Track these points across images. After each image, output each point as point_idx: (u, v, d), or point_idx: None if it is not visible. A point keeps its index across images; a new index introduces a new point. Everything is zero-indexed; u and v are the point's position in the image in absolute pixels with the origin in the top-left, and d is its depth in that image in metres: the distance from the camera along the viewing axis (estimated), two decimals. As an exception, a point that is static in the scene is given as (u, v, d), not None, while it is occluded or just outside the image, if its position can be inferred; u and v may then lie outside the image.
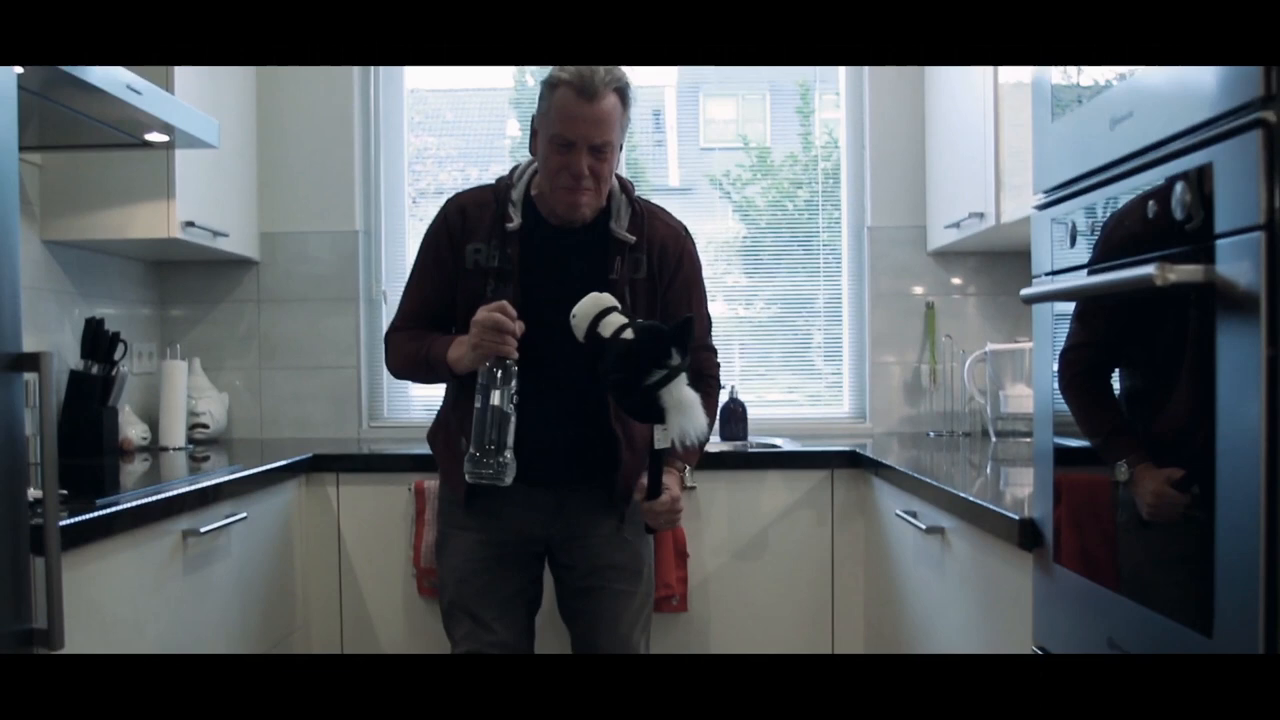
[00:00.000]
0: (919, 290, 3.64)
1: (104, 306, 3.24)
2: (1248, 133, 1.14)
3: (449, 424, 2.31)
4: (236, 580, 2.54)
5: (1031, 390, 2.50)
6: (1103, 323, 1.58)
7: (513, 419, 2.04)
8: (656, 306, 2.25)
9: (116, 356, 3.08)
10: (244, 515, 2.51)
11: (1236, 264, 1.16)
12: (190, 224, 3.01)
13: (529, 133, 2.24)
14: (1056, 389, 1.69)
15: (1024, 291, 1.70)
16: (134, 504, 2.04)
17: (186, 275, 3.65)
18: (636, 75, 3.70)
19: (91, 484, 2.47)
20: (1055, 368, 1.69)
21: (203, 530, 2.29)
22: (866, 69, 3.63)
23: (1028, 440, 3.13)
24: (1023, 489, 2.29)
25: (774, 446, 3.29)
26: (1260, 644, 1.14)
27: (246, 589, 2.60)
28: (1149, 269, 1.23)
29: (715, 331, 2.45)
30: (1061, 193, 1.65)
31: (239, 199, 3.45)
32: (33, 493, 1.69)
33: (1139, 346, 1.46)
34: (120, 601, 2.01)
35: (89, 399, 2.99)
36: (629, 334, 2.01)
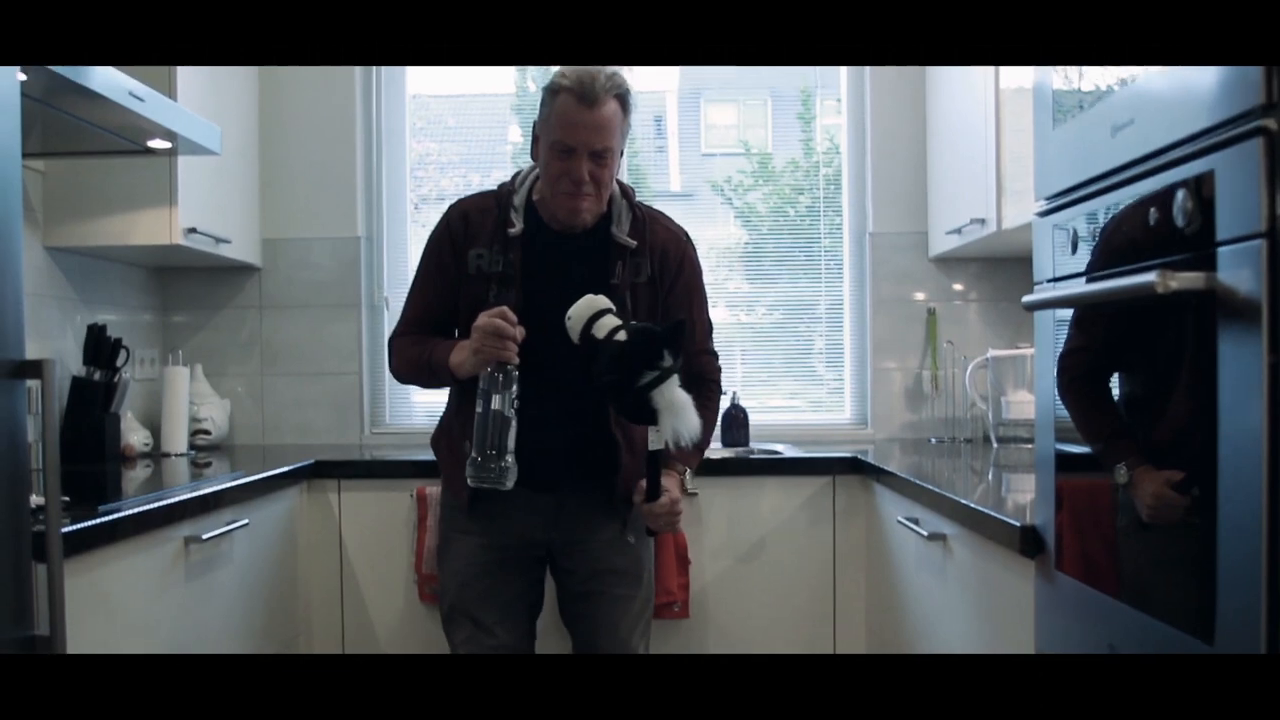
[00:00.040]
0: (920, 296, 3.64)
1: (106, 313, 3.24)
2: (1249, 140, 1.14)
3: (452, 429, 2.32)
4: (239, 586, 2.54)
5: (1033, 396, 2.50)
6: (1101, 327, 1.58)
7: (514, 423, 2.05)
8: (658, 311, 2.26)
9: (119, 363, 3.08)
10: (246, 522, 2.51)
11: (1238, 271, 1.16)
12: (192, 230, 3.02)
13: (530, 139, 2.26)
14: (1057, 394, 1.69)
15: (1026, 298, 1.70)
16: (136, 510, 2.04)
17: (188, 281, 3.65)
18: (638, 81, 3.74)
19: (94, 490, 2.47)
20: (1054, 372, 1.70)
21: (205, 537, 2.29)
22: (868, 75, 3.64)
23: (1029, 446, 3.13)
24: (1024, 495, 2.29)
25: (775, 453, 3.29)
26: (1262, 651, 1.14)
27: (249, 595, 2.60)
28: (1150, 276, 1.23)
29: (716, 337, 2.45)
30: (1063, 200, 1.65)
31: (241, 205, 3.46)
32: (35, 499, 1.70)
33: (1137, 350, 1.46)
34: (122, 608, 2.01)
35: (91, 405, 3.00)
36: (622, 336, 2.03)
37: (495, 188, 2.32)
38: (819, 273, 3.78)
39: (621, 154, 2.23)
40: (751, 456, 3.32)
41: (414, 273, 2.36)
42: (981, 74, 2.98)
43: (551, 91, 2.14)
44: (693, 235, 2.39)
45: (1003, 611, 1.95)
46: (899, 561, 2.66)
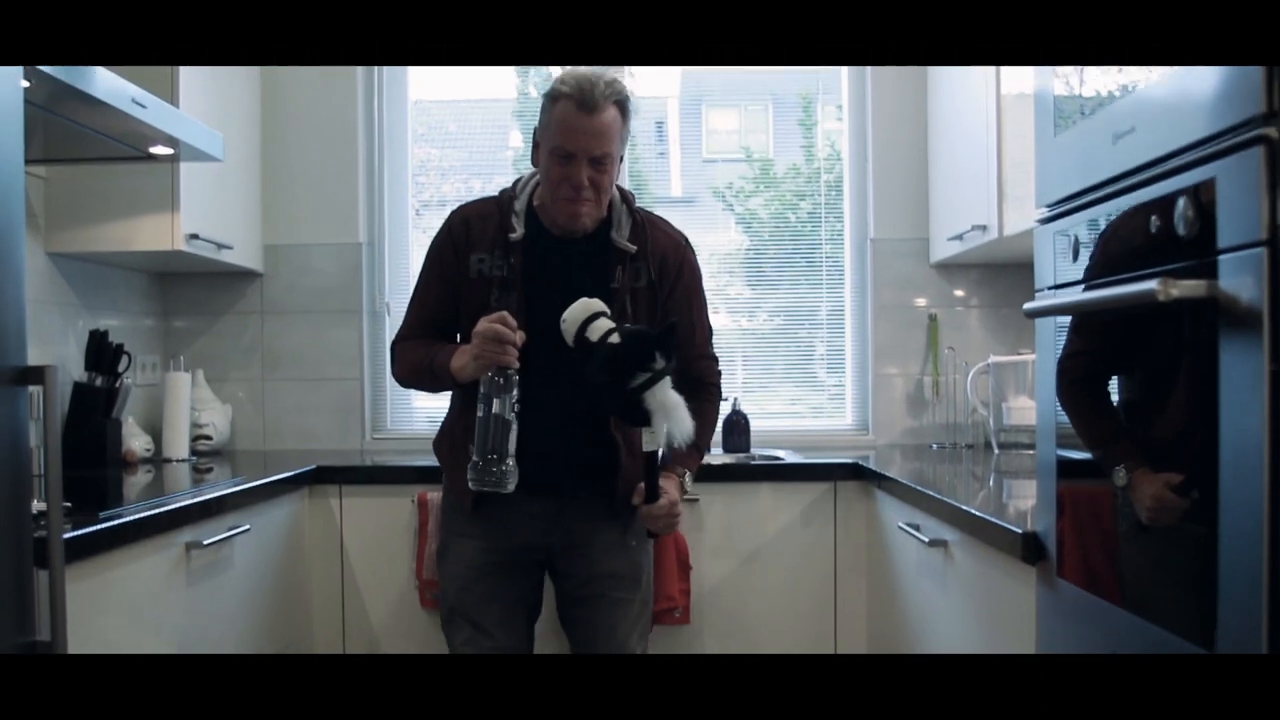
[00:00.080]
0: (922, 302, 3.64)
1: (108, 318, 3.25)
2: (1250, 149, 1.14)
3: (454, 432, 2.34)
4: (240, 592, 2.54)
5: (1034, 402, 2.50)
6: (1099, 331, 1.59)
7: (514, 427, 2.08)
8: (658, 315, 2.27)
9: (120, 368, 3.08)
10: (247, 527, 2.51)
11: (1239, 279, 1.16)
12: (194, 236, 3.02)
13: (531, 144, 2.27)
14: (1056, 398, 1.69)
15: (1027, 306, 1.70)
16: (138, 516, 2.05)
17: (190, 287, 3.66)
18: (640, 86, 3.75)
19: (95, 496, 2.47)
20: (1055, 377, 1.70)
21: (206, 542, 2.29)
22: (869, 81, 3.65)
23: (1030, 452, 3.12)
24: (1025, 501, 2.29)
25: (777, 459, 3.29)
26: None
27: (250, 601, 2.60)
28: (1152, 284, 1.24)
29: (718, 343, 2.46)
30: (1064, 207, 1.65)
31: (243, 211, 3.46)
32: (37, 505, 1.70)
33: (1137, 354, 1.47)
34: (124, 614, 2.01)
35: (93, 411, 3.00)
36: (615, 338, 2.05)
37: (497, 194, 2.33)
38: (820, 279, 3.78)
39: (621, 159, 2.25)
40: (753, 462, 3.32)
41: (416, 278, 2.38)
42: (983, 80, 2.98)
43: (551, 98, 2.16)
44: (694, 241, 2.40)
45: (1004, 618, 1.95)
46: (900, 568, 2.66)
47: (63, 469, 1.69)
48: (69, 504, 1.80)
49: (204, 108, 3.03)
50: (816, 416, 3.78)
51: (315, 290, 3.67)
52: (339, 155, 3.67)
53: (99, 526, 1.90)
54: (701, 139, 3.97)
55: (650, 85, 3.84)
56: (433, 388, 2.36)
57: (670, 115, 3.96)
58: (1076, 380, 1.66)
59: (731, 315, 3.81)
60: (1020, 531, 1.79)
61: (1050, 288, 1.70)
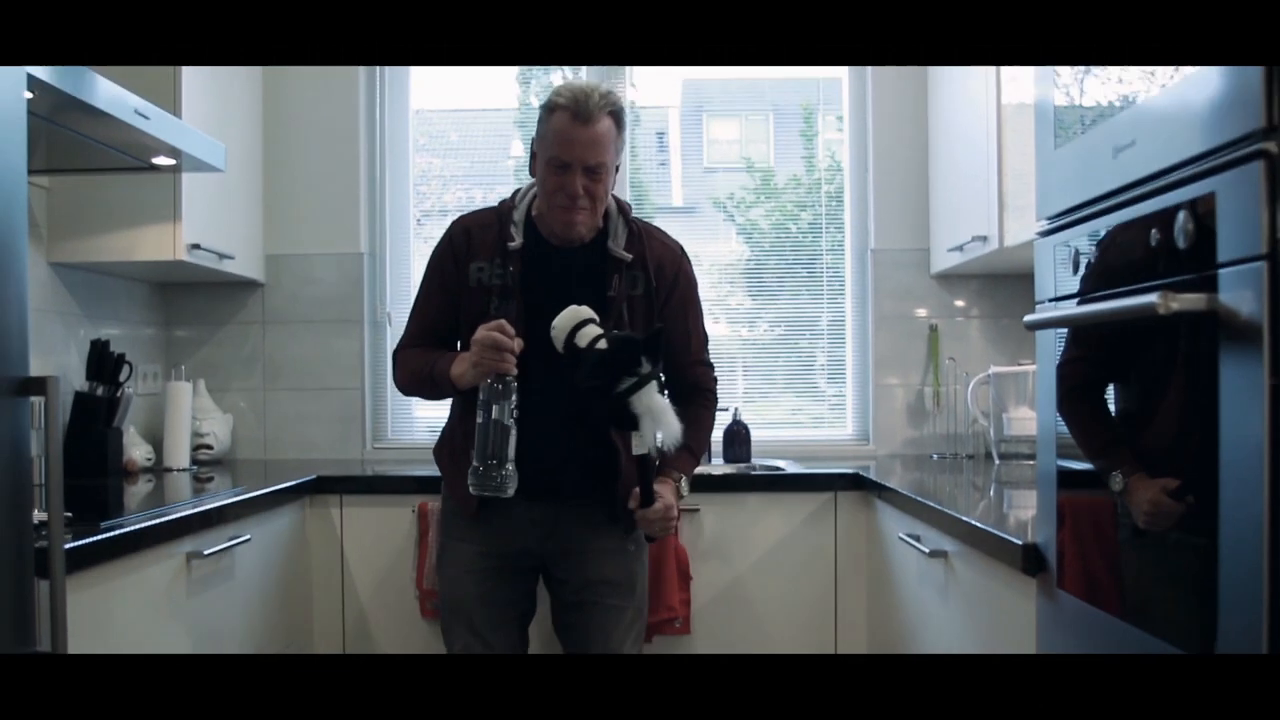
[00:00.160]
0: (922, 313, 3.64)
1: (109, 328, 3.25)
2: (1250, 163, 1.15)
3: (454, 439, 2.37)
4: (240, 602, 2.54)
5: (1035, 413, 2.50)
6: (1099, 339, 1.59)
7: (513, 432, 2.11)
8: (654, 323, 2.30)
9: (121, 378, 3.09)
10: (248, 537, 2.51)
11: (1239, 293, 1.17)
12: (196, 246, 3.03)
13: (529, 155, 2.32)
14: (1056, 404, 1.70)
15: (1028, 318, 1.71)
16: (138, 526, 2.04)
17: (192, 297, 3.66)
18: (641, 96, 3.76)
19: (96, 506, 2.47)
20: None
21: (207, 552, 2.29)
22: (869, 92, 3.65)
23: (1031, 463, 3.13)
24: (1026, 511, 2.29)
25: (777, 469, 3.29)
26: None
27: (250, 611, 2.60)
28: (1152, 298, 1.24)
29: (719, 352, 2.48)
30: (1065, 220, 1.66)
31: (244, 221, 3.47)
32: (38, 515, 1.70)
33: (1135, 363, 1.47)
34: (125, 624, 2.01)
35: (94, 420, 3.00)
36: (603, 344, 2.08)
37: (496, 204, 2.37)
38: (821, 289, 3.78)
39: (616, 169, 2.29)
40: (753, 472, 3.32)
41: (417, 288, 2.42)
42: (983, 90, 2.99)
43: (548, 109, 2.22)
44: (694, 250, 2.42)
45: (1004, 630, 1.95)
46: (900, 578, 2.66)
47: (64, 479, 1.69)
48: (70, 514, 1.80)
49: (205, 117, 3.04)
50: (817, 426, 3.78)
51: (316, 300, 3.68)
52: (340, 165, 3.68)
53: (100, 537, 1.90)
54: (702, 149, 3.98)
55: (651, 95, 3.86)
56: (433, 395, 2.39)
57: (671, 125, 3.97)
58: (1076, 386, 1.66)
59: (732, 325, 3.81)
60: (1020, 543, 1.79)
61: (1051, 300, 1.71)
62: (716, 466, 3.41)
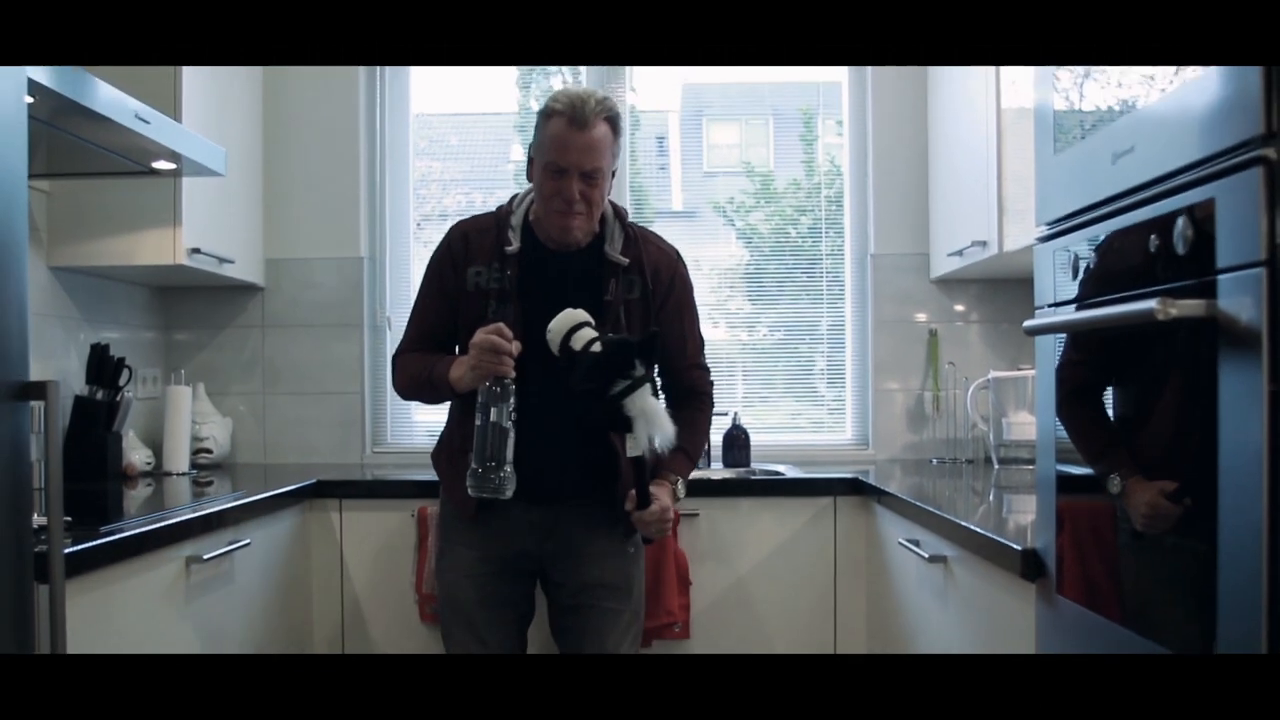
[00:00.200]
0: (922, 317, 3.64)
1: (109, 332, 3.25)
2: (1249, 169, 1.15)
3: (453, 442, 2.38)
4: (240, 606, 2.54)
5: (1034, 417, 2.50)
6: (1097, 341, 1.59)
7: (512, 434, 2.12)
8: (650, 326, 2.31)
9: (121, 382, 3.09)
10: (248, 541, 2.51)
11: (1238, 299, 1.17)
12: (196, 250, 3.03)
13: (527, 161, 2.34)
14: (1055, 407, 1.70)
15: (1027, 324, 1.71)
16: (138, 530, 2.05)
17: (192, 301, 3.66)
18: (641, 100, 3.76)
19: (96, 510, 2.47)
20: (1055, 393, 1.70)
21: (206, 557, 2.29)
22: (869, 96, 3.66)
23: (1030, 467, 3.12)
24: (1025, 516, 2.29)
25: (776, 473, 3.29)
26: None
27: (250, 615, 2.60)
28: (1151, 304, 1.24)
29: (718, 356, 2.49)
30: (1064, 225, 1.66)
31: (245, 226, 3.47)
32: (37, 519, 1.70)
33: (1134, 367, 1.47)
34: (124, 628, 2.01)
35: (94, 424, 3.00)
36: (597, 347, 2.10)
37: (494, 209, 2.39)
38: (820, 293, 3.78)
39: (613, 175, 2.31)
40: (752, 477, 3.32)
41: (416, 292, 2.43)
42: (983, 94, 2.99)
43: (545, 115, 2.24)
44: (694, 254, 2.43)
45: (1004, 635, 1.95)
46: (900, 583, 2.66)
47: (64, 483, 1.69)
48: (69, 518, 1.80)
49: (206, 121, 3.04)
50: (816, 431, 3.78)
51: (316, 304, 3.68)
52: (340, 169, 3.68)
53: (99, 541, 1.90)
54: (702, 153, 3.98)
55: (651, 99, 3.86)
56: (432, 398, 2.42)
57: (671, 129, 3.97)
58: (1075, 389, 1.67)
59: (731, 329, 3.81)
60: (1020, 548, 1.79)
61: (1050, 305, 1.71)
62: (716, 471, 3.41)
